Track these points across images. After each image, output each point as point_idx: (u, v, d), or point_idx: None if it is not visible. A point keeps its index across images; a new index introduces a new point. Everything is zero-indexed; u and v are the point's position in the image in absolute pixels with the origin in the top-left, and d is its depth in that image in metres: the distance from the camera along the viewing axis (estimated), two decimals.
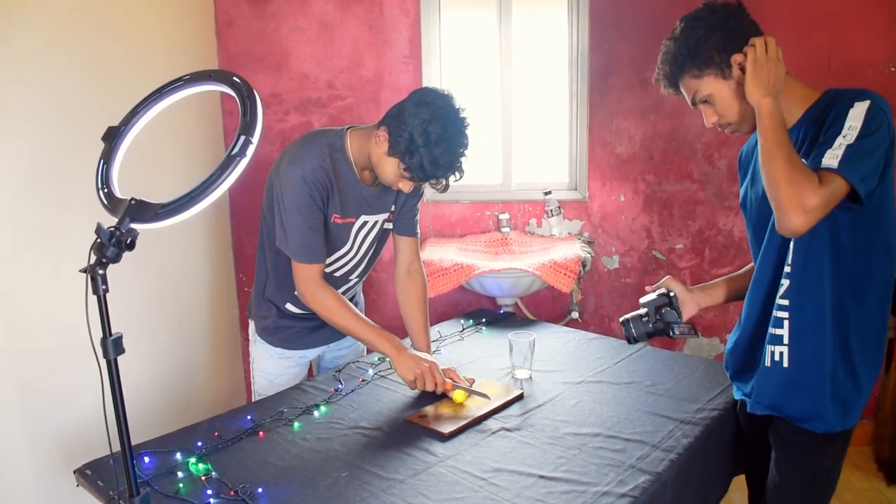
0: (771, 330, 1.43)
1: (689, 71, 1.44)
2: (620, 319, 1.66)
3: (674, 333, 1.61)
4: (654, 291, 1.66)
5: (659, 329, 1.62)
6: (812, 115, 1.38)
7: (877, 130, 1.27)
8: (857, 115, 1.28)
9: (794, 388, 1.42)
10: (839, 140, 1.26)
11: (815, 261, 1.37)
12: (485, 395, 1.65)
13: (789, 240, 1.38)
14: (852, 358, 1.40)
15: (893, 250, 1.39)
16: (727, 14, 1.41)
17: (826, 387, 1.40)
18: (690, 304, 1.64)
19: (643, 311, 1.63)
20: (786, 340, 1.41)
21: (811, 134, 1.36)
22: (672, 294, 1.63)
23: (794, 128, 1.41)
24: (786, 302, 1.40)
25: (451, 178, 1.67)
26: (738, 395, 1.59)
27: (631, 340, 1.64)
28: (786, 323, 1.41)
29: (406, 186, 1.69)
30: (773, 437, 1.50)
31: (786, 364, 1.42)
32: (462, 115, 1.63)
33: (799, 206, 1.23)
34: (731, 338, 1.61)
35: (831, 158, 1.25)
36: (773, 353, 1.43)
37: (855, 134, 1.26)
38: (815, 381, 1.40)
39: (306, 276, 1.71)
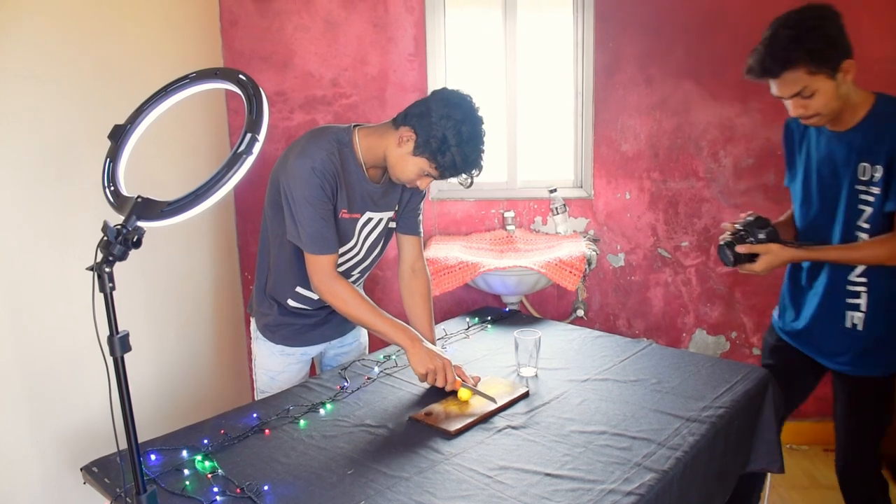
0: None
1: (807, 65, 1.59)
2: (720, 244, 1.84)
3: (784, 240, 1.79)
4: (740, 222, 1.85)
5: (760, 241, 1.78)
6: (870, 121, 1.67)
7: None
8: None
9: None
10: None
11: None
12: (490, 398, 1.65)
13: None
14: None
15: None
16: (839, 19, 1.62)
17: None
18: None
19: (740, 232, 1.80)
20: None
21: (868, 139, 1.66)
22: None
23: (853, 130, 1.69)
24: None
25: (474, 174, 1.72)
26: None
27: (727, 263, 1.82)
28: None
29: (424, 184, 1.75)
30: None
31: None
32: (480, 114, 1.68)
33: None
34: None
35: None
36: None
37: None
38: None
39: (320, 268, 1.72)
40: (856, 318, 1.78)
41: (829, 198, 1.77)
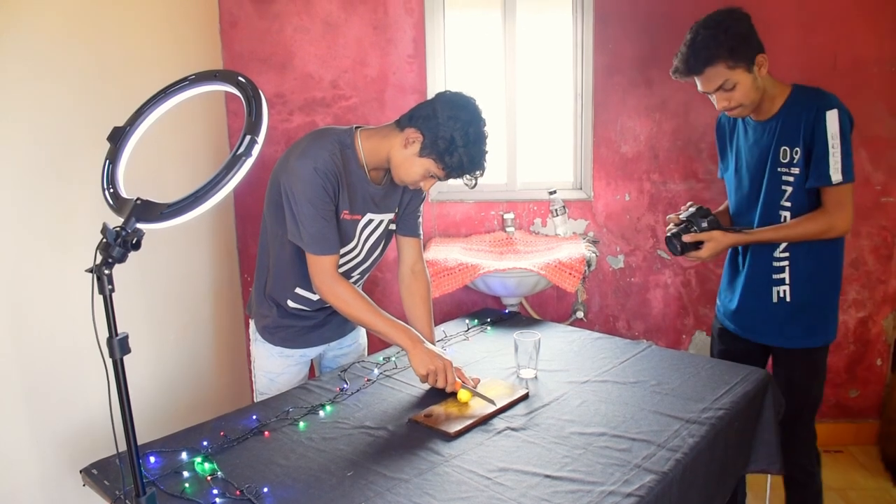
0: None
1: (726, 60, 1.77)
2: (667, 235, 1.98)
3: (725, 227, 1.95)
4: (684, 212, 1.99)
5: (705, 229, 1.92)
6: (787, 109, 1.86)
7: (848, 130, 1.79)
8: (833, 125, 1.77)
9: None
10: (832, 156, 1.77)
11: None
12: (489, 400, 1.65)
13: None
14: None
15: None
16: (749, 20, 1.81)
17: None
18: None
19: (684, 223, 1.95)
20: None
21: (786, 125, 1.85)
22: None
23: (773, 118, 1.88)
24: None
25: (478, 174, 1.75)
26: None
27: (674, 252, 1.96)
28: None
29: (427, 185, 1.77)
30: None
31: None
32: (483, 116, 1.71)
33: (836, 233, 1.84)
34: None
35: (836, 173, 1.77)
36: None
37: (839, 143, 1.77)
38: None
39: (322, 269, 1.72)
40: (782, 292, 1.94)
41: (757, 183, 1.95)
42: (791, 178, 1.86)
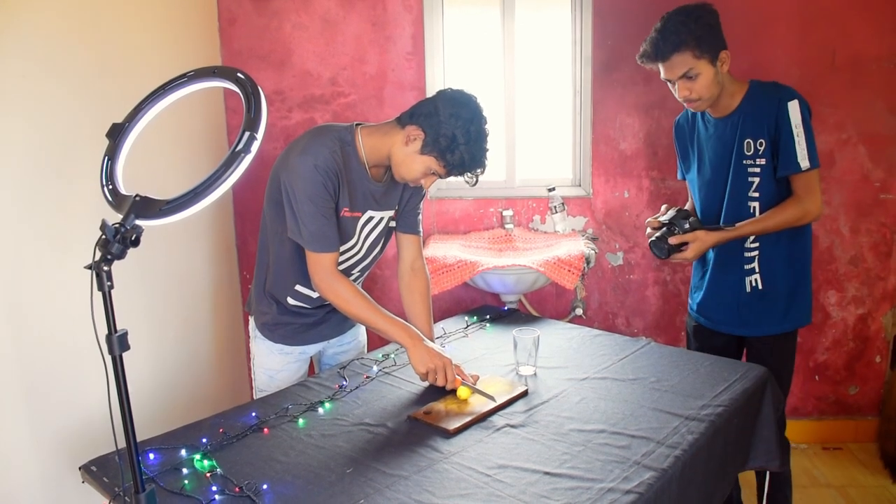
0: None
1: (693, 49, 1.82)
2: (649, 241, 2.00)
3: (707, 226, 1.98)
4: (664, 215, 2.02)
5: (687, 230, 1.95)
6: (747, 103, 1.92)
7: (808, 118, 1.86)
8: (795, 115, 1.83)
9: None
10: (797, 144, 1.84)
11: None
12: (490, 397, 1.65)
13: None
14: None
15: None
16: (717, 15, 1.87)
17: None
18: None
19: (667, 226, 1.98)
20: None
21: (749, 118, 1.91)
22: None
23: (734, 113, 1.94)
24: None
25: (478, 172, 1.76)
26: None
27: (661, 255, 1.98)
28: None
29: (428, 183, 1.77)
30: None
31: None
32: (484, 114, 1.72)
33: (811, 217, 1.90)
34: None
35: (804, 160, 1.84)
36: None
37: (802, 132, 1.83)
38: None
39: (321, 266, 1.72)
40: (754, 281, 2.00)
41: (723, 177, 1.99)
42: (758, 170, 1.92)
